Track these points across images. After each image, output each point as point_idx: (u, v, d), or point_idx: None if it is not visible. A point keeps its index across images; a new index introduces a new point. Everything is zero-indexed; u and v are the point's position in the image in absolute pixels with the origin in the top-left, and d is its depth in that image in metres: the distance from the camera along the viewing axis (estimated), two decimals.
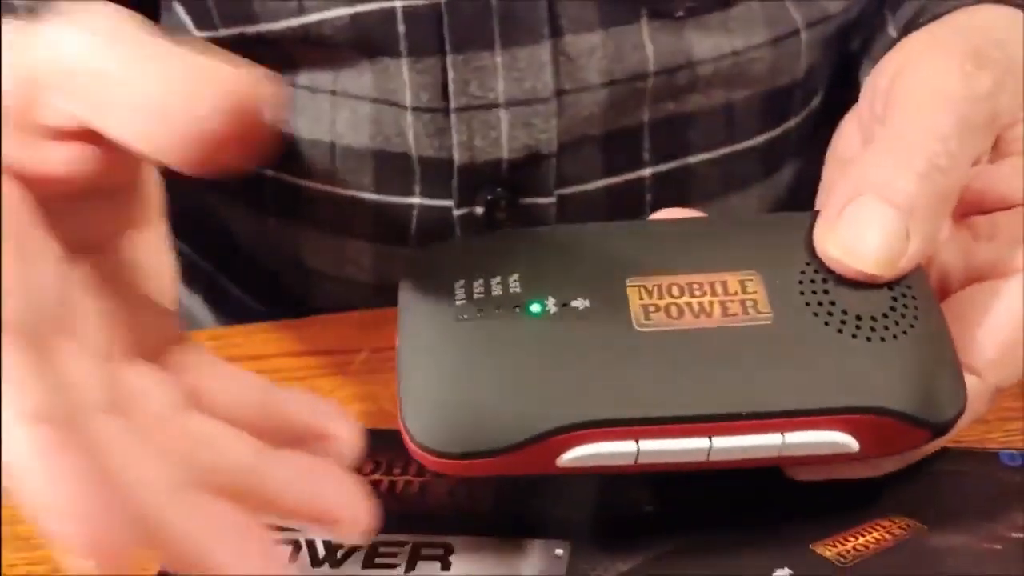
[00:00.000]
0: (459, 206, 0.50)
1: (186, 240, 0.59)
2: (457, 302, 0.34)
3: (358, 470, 0.37)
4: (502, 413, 0.32)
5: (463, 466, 0.32)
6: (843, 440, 0.32)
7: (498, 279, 0.34)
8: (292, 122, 0.50)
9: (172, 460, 0.28)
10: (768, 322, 0.32)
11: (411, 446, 0.33)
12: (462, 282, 0.34)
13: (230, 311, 0.60)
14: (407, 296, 0.35)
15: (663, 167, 0.51)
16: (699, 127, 0.51)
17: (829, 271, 0.33)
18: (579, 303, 0.33)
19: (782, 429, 0.32)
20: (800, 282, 0.33)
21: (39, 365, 0.26)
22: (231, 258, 0.58)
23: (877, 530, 0.35)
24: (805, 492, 0.35)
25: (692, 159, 0.52)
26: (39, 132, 0.28)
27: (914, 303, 0.33)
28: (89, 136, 0.28)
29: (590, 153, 0.50)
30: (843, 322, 0.32)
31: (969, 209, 0.37)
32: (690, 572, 0.34)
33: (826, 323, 0.32)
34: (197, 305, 0.61)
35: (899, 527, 0.35)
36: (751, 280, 0.33)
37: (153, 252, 0.33)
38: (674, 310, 0.33)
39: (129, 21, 0.28)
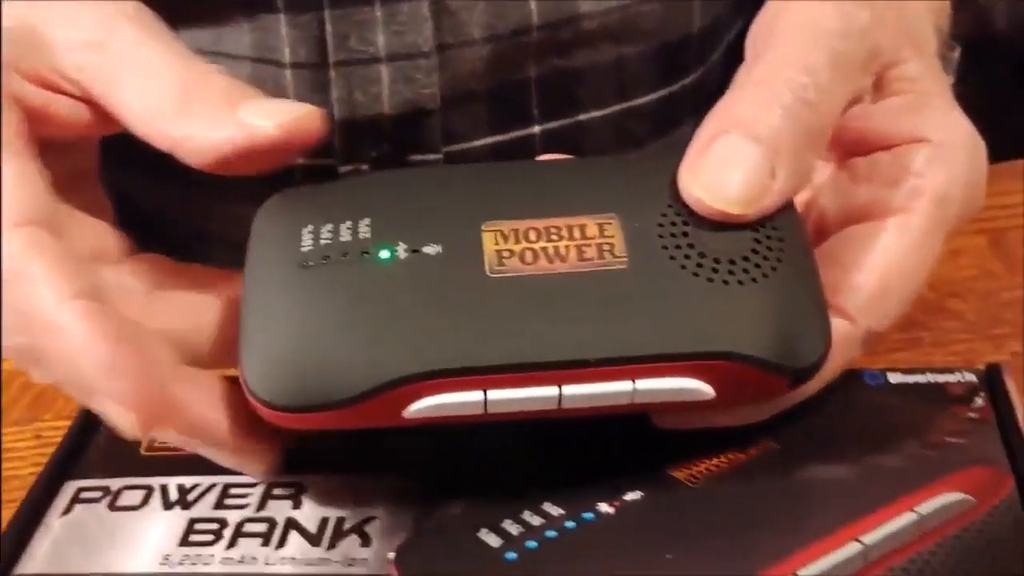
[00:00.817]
0: (344, 163, 0.49)
1: None
2: (303, 248, 0.32)
3: None
4: (342, 364, 0.30)
5: (303, 419, 0.31)
6: (697, 387, 0.31)
7: (348, 224, 0.33)
8: None
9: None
10: (623, 266, 0.31)
11: (251, 400, 0.31)
12: (310, 228, 0.33)
13: None
14: (254, 243, 0.34)
15: (553, 124, 0.51)
16: (589, 83, 0.51)
17: (691, 213, 0.32)
18: (431, 249, 0.32)
19: (633, 376, 0.30)
20: (660, 225, 0.32)
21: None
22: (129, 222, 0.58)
23: (732, 449, 0.34)
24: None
25: (583, 116, 0.52)
26: (46, 83, 0.34)
27: (780, 244, 0.32)
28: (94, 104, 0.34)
29: (476, 109, 0.50)
30: (700, 265, 0.31)
31: (850, 150, 0.36)
32: (542, 495, 0.33)
33: (682, 266, 0.31)
34: None
35: (753, 447, 0.34)
36: (610, 224, 0.32)
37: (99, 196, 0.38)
38: (529, 255, 0.31)
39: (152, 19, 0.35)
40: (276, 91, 0.48)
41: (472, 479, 0.34)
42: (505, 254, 0.31)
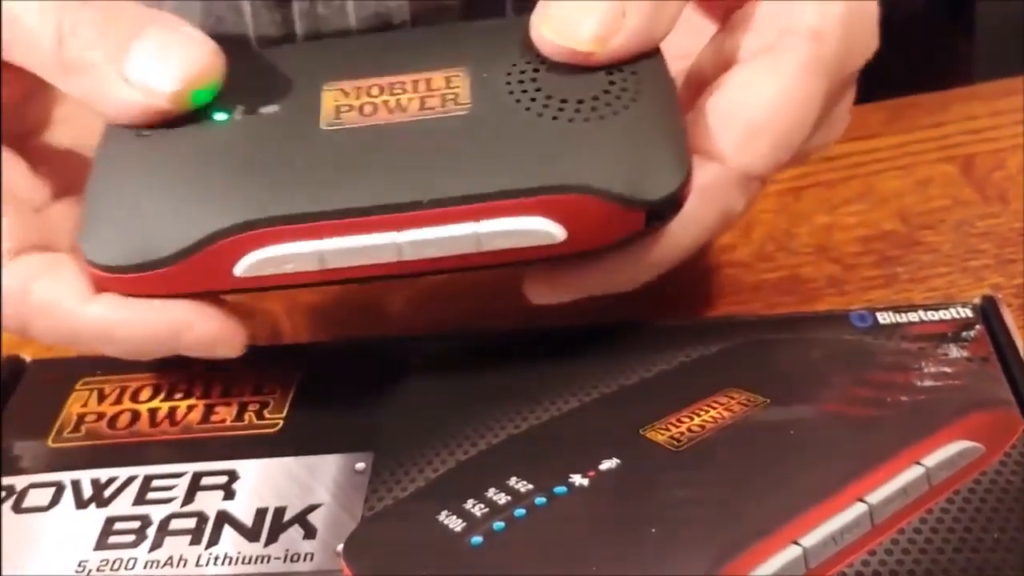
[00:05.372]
0: None
1: None
2: None
3: (134, 396, 0.34)
4: (168, 221, 0.29)
5: (133, 281, 0.29)
6: (545, 227, 0.28)
7: None
8: None
9: None
10: (465, 112, 0.30)
11: (87, 269, 0.30)
12: None
13: None
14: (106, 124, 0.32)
15: None
16: None
17: (543, 61, 0.30)
18: (268, 109, 0.31)
19: (474, 217, 0.28)
20: (508, 74, 0.30)
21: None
22: None
23: (714, 408, 0.31)
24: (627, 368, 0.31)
25: None
26: None
27: (636, 86, 0.30)
28: None
29: (448, 22, 0.46)
30: (546, 106, 0.29)
31: (731, 6, 0.34)
32: (508, 472, 0.30)
33: (527, 108, 0.29)
34: None
35: (738, 403, 0.31)
36: (457, 76, 0.31)
37: None
38: (368, 108, 0.30)
39: None
40: (232, 12, 0.45)
41: (428, 455, 0.31)
42: (344, 108, 0.30)
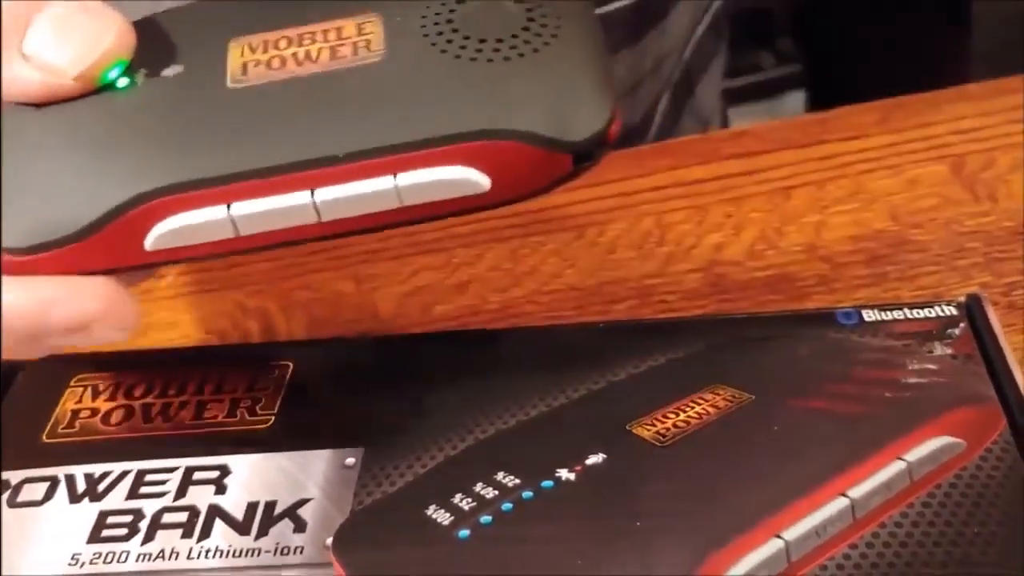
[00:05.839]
0: None
1: None
2: None
3: (128, 392, 0.34)
4: (73, 196, 0.28)
5: (44, 262, 0.28)
6: (469, 176, 0.27)
7: None
8: None
9: None
10: (378, 59, 0.28)
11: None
12: None
13: None
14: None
15: None
16: None
17: (459, 0, 0.29)
18: (171, 71, 0.29)
19: (392, 169, 0.27)
20: (423, 16, 0.29)
21: None
22: None
23: (700, 404, 0.31)
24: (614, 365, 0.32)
25: None
26: None
27: (556, 22, 0.29)
28: None
29: None
30: (463, 47, 0.28)
31: None
32: (495, 467, 0.30)
33: (444, 51, 0.28)
34: None
35: (724, 399, 0.31)
36: (370, 22, 0.29)
37: None
38: (276, 62, 0.29)
39: None
40: None
41: (417, 451, 0.31)
42: (251, 64, 0.29)
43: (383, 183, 0.27)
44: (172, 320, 0.44)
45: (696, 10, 0.56)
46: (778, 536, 0.27)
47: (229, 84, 0.28)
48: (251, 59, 0.29)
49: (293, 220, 0.28)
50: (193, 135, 0.28)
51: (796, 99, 1.19)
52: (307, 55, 0.29)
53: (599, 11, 0.49)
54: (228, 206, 0.27)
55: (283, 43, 0.29)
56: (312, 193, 0.27)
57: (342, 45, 0.29)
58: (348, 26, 0.29)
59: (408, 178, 0.27)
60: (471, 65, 0.28)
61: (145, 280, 0.37)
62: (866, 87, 0.54)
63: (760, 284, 0.42)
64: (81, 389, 0.35)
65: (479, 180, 0.27)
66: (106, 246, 0.28)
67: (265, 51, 0.29)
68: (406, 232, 0.46)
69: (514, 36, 0.28)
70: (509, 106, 0.27)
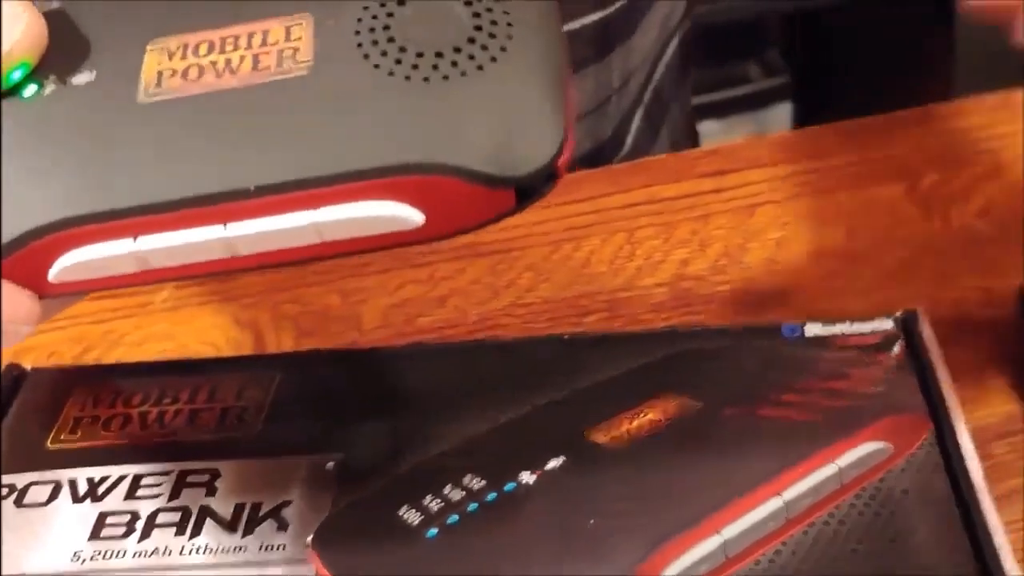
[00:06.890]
0: None
1: None
2: None
3: (126, 401, 0.37)
4: None
5: None
6: (398, 212, 0.25)
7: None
8: None
9: None
10: (304, 73, 0.26)
11: None
12: None
13: None
14: None
15: None
16: None
17: (400, 2, 0.26)
18: (82, 78, 0.26)
19: (312, 204, 0.25)
20: (359, 20, 0.26)
21: None
22: None
23: (652, 410, 0.34)
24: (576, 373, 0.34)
25: None
26: None
27: (507, 30, 0.26)
28: None
29: None
30: (398, 61, 0.25)
31: None
32: (463, 471, 0.33)
33: (377, 65, 0.25)
34: None
35: (673, 406, 0.34)
36: (300, 25, 0.26)
37: None
38: (193, 72, 0.26)
39: None
40: None
41: (392, 456, 0.34)
42: (167, 74, 0.26)
43: (300, 219, 0.25)
44: (168, 332, 0.46)
45: (663, 30, 0.58)
46: (718, 533, 0.30)
47: (141, 98, 0.26)
48: (167, 67, 0.26)
49: (206, 254, 0.26)
50: (99, 160, 0.25)
51: (783, 111, 1.22)
52: (227, 64, 0.26)
53: (566, 27, 0.51)
54: (135, 238, 0.25)
55: (203, 48, 0.26)
56: (224, 228, 0.25)
57: (266, 53, 0.26)
58: (276, 29, 0.26)
59: (328, 213, 0.25)
60: (405, 85, 0.25)
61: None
62: (852, 99, 0.56)
63: (721, 298, 0.44)
64: (83, 397, 0.37)
65: (409, 216, 0.25)
66: (8, 275, 0.26)
67: (184, 57, 0.26)
68: None
69: (457, 50, 0.25)
70: (445, 137, 0.25)
